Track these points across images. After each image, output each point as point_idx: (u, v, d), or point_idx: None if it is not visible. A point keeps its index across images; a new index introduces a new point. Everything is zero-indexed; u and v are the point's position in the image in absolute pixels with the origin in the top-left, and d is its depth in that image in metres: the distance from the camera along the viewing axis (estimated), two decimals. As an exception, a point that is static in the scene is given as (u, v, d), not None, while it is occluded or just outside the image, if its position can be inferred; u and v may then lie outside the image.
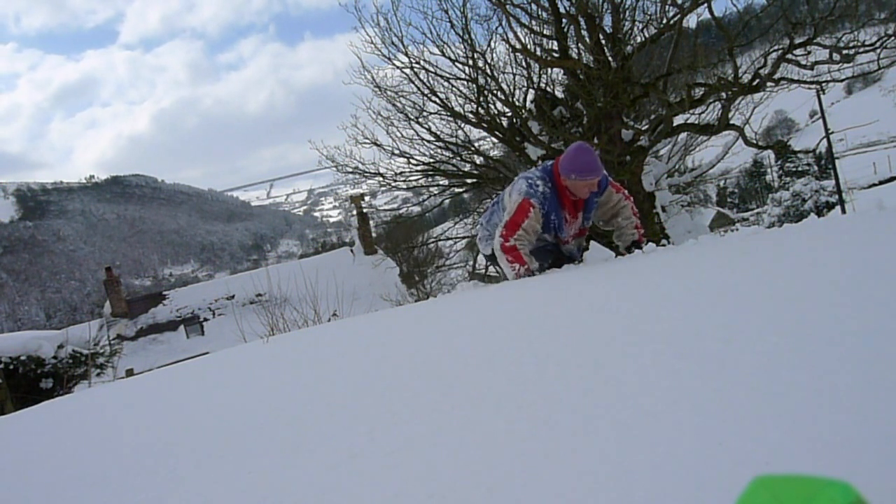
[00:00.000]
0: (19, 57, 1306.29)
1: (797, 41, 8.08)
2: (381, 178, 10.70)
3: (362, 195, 18.74)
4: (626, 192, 3.74)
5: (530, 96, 9.48)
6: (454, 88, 9.61)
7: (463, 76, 9.48)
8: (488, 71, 9.29)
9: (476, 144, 10.66)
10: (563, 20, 8.43)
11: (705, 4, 7.80)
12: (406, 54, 9.49)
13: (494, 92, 9.41)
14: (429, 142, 10.22)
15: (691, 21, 8.59)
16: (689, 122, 9.09)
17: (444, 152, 10.43)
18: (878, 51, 8.20)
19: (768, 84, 8.31)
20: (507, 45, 8.84)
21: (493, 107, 9.58)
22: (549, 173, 3.49)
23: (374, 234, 23.36)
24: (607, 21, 8.49)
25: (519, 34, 8.70)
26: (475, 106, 9.48)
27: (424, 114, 9.94)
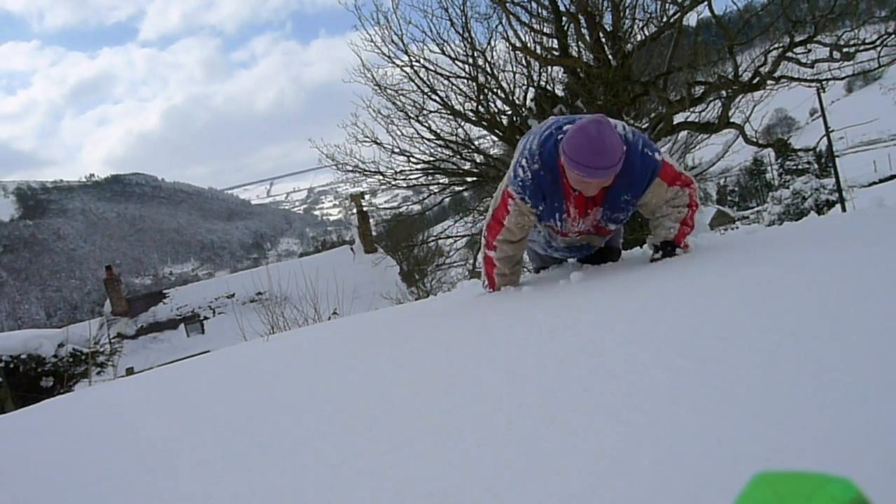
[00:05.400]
0: (41, 54, 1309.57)
1: (797, 39, 8.08)
2: (381, 177, 10.71)
3: (362, 193, 18.73)
4: (686, 177, 2.51)
5: (530, 94, 9.48)
6: (454, 87, 9.62)
7: (463, 74, 9.49)
8: (488, 69, 9.29)
9: (476, 143, 10.67)
10: (564, 18, 8.43)
11: (705, 2, 7.80)
12: (406, 53, 9.50)
13: (494, 90, 9.41)
14: (429, 140, 10.23)
15: (691, 19, 8.60)
16: (689, 120, 9.09)
17: (444, 150, 10.44)
18: (879, 49, 8.20)
19: (768, 82, 8.31)
20: (508, 44, 8.84)
21: (493, 105, 9.59)
22: (549, 147, 2.40)
23: (374, 233, 23.35)
24: (607, 19, 8.50)
25: (519, 32, 8.72)
26: (475, 104, 9.48)
27: (424, 112, 9.95)
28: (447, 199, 11.71)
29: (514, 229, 2.62)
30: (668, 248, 2.51)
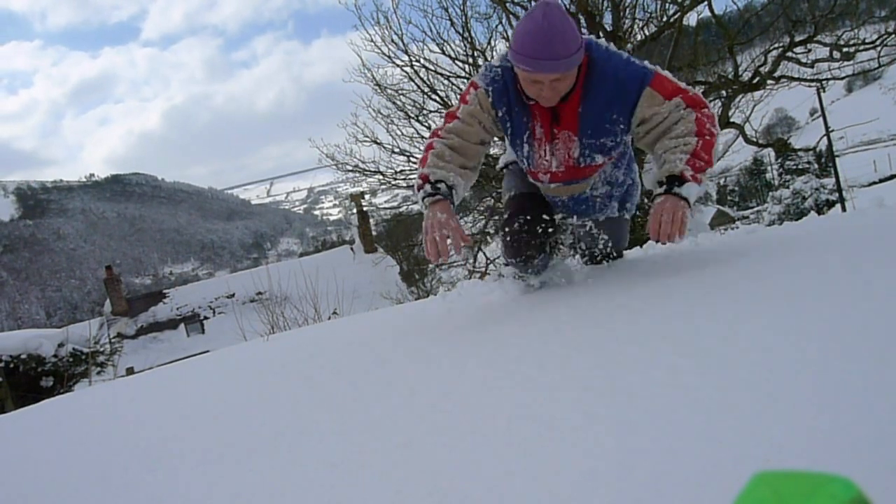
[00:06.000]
0: (43, 54, 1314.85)
1: (797, 39, 8.09)
2: (381, 177, 10.72)
3: (362, 193, 18.76)
4: (695, 96, 1.96)
5: (530, 94, 9.48)
6: (454, 87, 9.63)
7: (463, 74, 9.50)
8: (488, 69, 9.28)
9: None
10: (564, 18, 8.42)
11: (705, 2, 7.80)
12: (406, 52, 9.51)
13: (494, 90, 9.41)
14: (429, 140, 10.23)
15: (691, 19, 8.60)
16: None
17: (444, 150, 10.43)
18: (879, 49, 8.22)
19: (768, 82, 8.32)
20: (508, 43, 8.84)
21: (493, 105, 9.58)
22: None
23: (374, 233, 23.37)
24: (607, 19, 8.50)
25: (519, 32, 8.70)
26: (475, 104, 9.48)
27: (424, 112, 9.96)
28: (447, 199, 11.70)
29: (466, 121, 2.06)
30: (673, 184, 1.88)
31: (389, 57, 9.68)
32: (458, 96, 2.17)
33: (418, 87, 9.72)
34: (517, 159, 2.24)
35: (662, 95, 1.92)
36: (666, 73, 1.97)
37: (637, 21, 8.58)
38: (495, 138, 2.28)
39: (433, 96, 9.72)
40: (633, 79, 1.92)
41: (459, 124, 2.07)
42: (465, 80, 9.51)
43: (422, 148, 10.88)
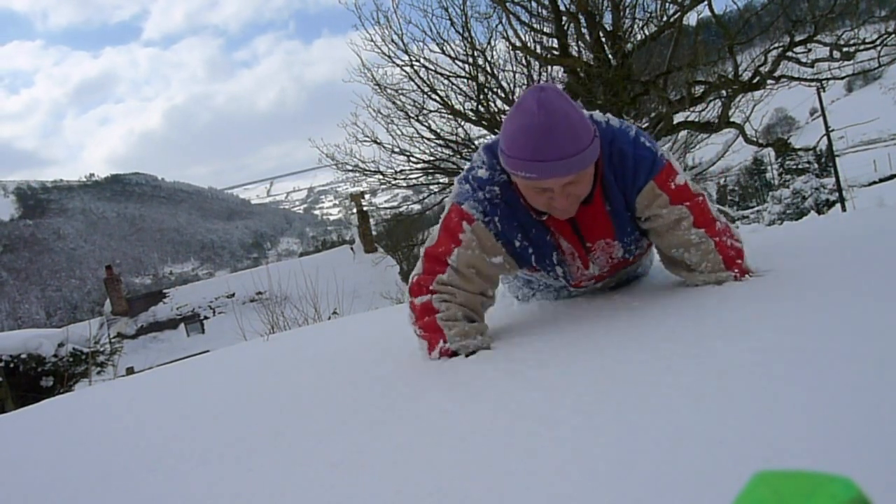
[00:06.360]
0: (45, 54, 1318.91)
1: (797, 39, 8.09)
2: (381, 176, 10.73)
3: (362, 193, 18.75)
4: (701, 205, 1.65)
5: (530, 94, 9.48)
6: (454, 86, 9.64)
7: (463, 74, 9.50)
8: (488, 69, 9.31)
9: (476, 143, 10.69)
10: (563, 18, 8.44)
11: (705, 2, 7.80)
12: (406, 52, 9.51)
13: (494, 90, 9.43)
14: (429, 140, 10.24)
15: (691, 18, 8.61)
16: (689, 119, 9.10)
17: (444, 150, 10.45)
18: (879, 48, 8.22)
19: (768, 82, 8.33)
20: (508, 43, 8.85)
21: (493, 105, 9.60)
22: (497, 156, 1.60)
23: (374, 232, 23.37)
24: (607, 18, 8.50)
25: (519, 32, 8.73)
26: (475, 104, 9.50)
27: (424, 112, 9.96)
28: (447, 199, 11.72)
29: (465, 272, 1.60)
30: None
31: (389, 57, 9.69)
32: (441, 222, 1.67)
33: (418, 86, 9.73)
34: (548, 278, 1.83)
35: (668, 195, 1.61)
36: (675, 162, 1.65)
37: (637, 21, 8.59)
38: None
39: (433, 96, 9.72)
40: (639, 166, 1.58)
41: (455, 278, 1.61)
42: (465, 81, 9.50)
43: (422, 148, 10.88)
